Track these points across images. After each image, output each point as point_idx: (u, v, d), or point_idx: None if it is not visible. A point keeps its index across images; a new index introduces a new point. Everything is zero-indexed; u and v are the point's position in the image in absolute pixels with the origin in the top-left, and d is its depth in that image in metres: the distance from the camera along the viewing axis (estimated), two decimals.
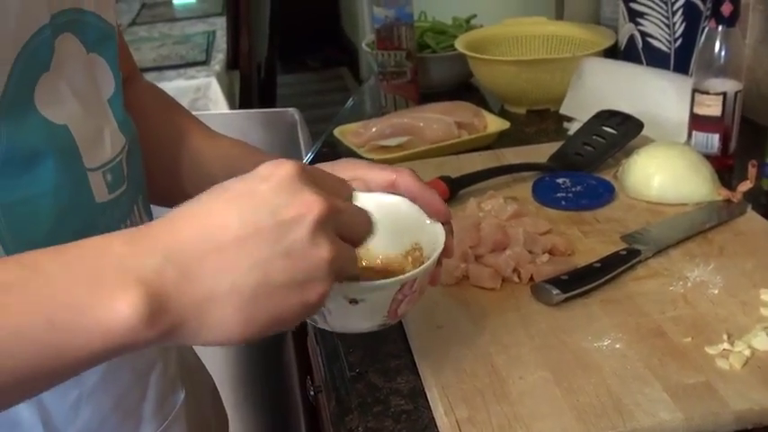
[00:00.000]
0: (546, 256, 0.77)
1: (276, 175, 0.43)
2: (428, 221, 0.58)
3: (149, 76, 2.22)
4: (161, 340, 0.40)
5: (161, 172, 0.71)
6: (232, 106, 2.23)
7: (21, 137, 0.49)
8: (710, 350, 0.64)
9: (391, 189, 0.59)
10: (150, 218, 0.65)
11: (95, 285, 0.39)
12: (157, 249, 0.40)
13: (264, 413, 1.20)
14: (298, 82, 4.54)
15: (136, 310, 0.38)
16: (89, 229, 0.54)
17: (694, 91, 0.98)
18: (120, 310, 0.38)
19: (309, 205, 0.42)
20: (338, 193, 0.47)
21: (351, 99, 1.48)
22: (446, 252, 0.56)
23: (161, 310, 0.39)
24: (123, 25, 2.71)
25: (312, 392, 0.94)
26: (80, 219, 0.53)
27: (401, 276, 0.51)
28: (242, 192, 0.43)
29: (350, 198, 0.49)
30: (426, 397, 0.64)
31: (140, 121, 0.65)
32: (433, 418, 0.62)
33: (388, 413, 0.64)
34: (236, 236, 0.41)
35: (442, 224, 0.57)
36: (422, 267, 0.52)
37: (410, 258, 0.60)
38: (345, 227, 0.45)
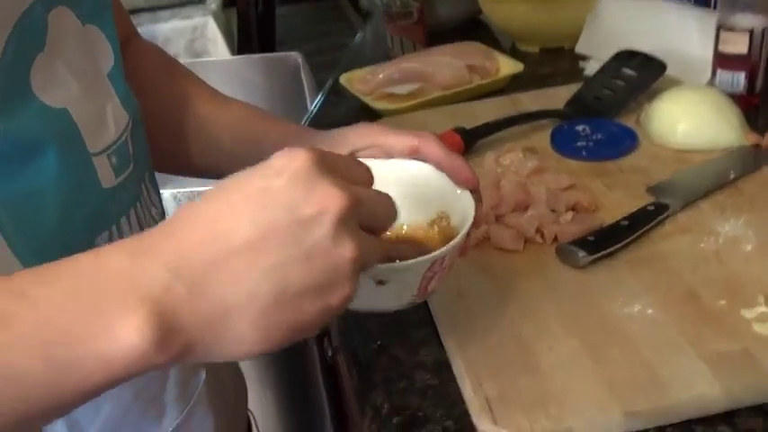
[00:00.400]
0: (570, 215, 0.74)
1: (291, 167, 0.39)
2: (455, 189, 0.55)
3: (143, 18, 2.15)
4: (174, 362, 0.37)
5: (165, 138, 0.67)
6: (231, 45, 2.17)
7: (19, 127, 0.45)
8: (747, 314, 0.61)
9: (413, 155, 0.56)
10: (158, 193, 0.62)
11: (96, 311, 0.35)
12: (163, 261, 0.36)
13: (281, 372, 1.19)
14: (296, 13, 4.42)
15: (143, 335, 0.35)
16: (98, 218, 0.51)
17: (719, 27, 0.93)
18: (125, 337, 0.35)
19: (330, 200, 0.38)
20: (359, 179, 0.43)
21: (357, 36, 1.43)
22: (475, 223, 0.53)
23: (171, 330, 0.36)
24: None
25: (330, 353, 0.93)
26: (88, 208, 0.50)
27: (431, 255, 0.48)
28: (254, 189, 0.39)
29: (370, 183, 0.45)
30: (452, 370, 0.62)
31: (141, 86, 0.61)
32: (459, 391, 0.60)
33: (413, 389, 0.62)
34: (247, 239, 0.37)
35: (470, 192, 0.54)
36: (452, 243, 0.49)
37: (436, 227, 0.57)
38: (368, 217, 0.42)
